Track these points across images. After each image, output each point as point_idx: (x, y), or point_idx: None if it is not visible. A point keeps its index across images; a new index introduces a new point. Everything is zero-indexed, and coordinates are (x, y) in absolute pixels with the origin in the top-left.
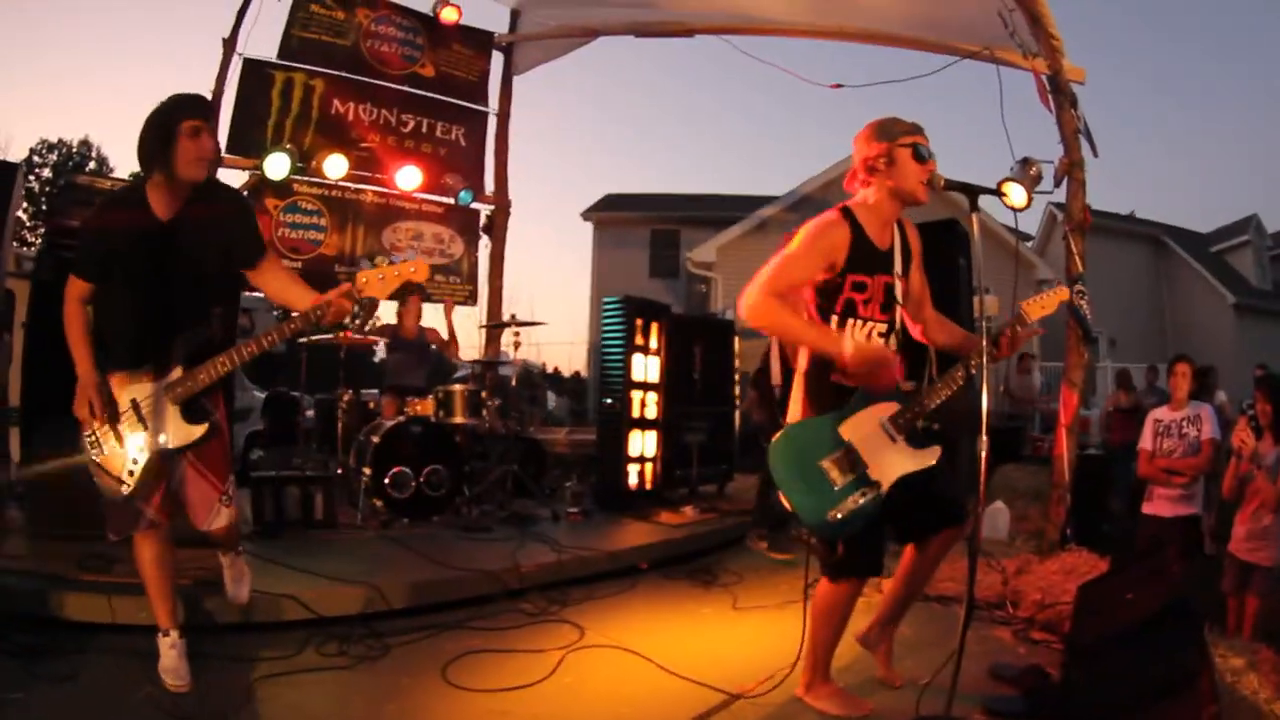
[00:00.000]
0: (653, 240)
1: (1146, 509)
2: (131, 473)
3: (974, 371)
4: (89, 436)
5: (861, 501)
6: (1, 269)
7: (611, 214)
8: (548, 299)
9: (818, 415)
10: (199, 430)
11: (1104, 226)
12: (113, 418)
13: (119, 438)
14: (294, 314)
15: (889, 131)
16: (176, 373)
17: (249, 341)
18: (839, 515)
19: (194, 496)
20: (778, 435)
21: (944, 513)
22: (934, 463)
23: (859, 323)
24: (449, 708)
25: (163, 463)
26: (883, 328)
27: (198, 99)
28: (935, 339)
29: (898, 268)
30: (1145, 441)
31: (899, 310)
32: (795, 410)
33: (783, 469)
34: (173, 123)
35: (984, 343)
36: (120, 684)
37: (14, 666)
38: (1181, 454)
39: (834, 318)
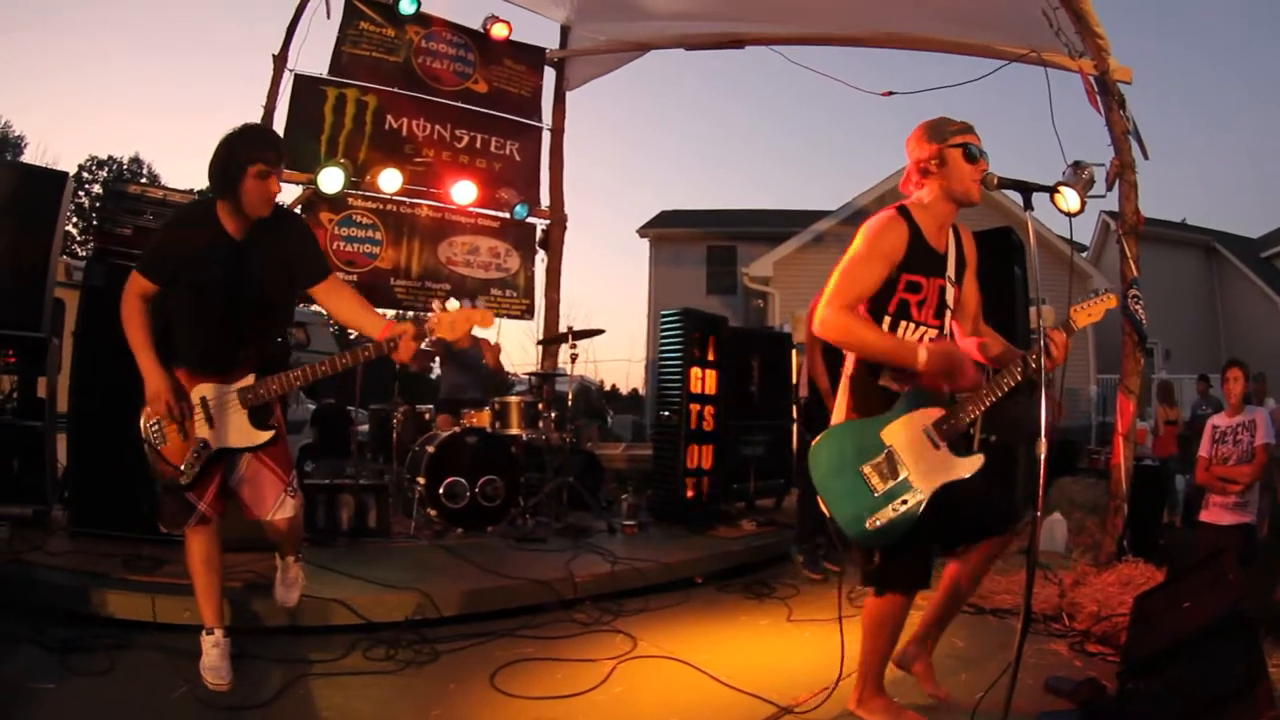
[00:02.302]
0: (709, 256)
1: (1204, 517)
2: (192, 465)
3: (1020, 380)
4: (153, 426)
5: (901, 509)
6: (51, 277)
7: (668, 230)
8: (606, 316)
9: (862, 419)
10: (265, 436)
11: (1155, 235)
12: (185, 414)
13: (184, 431)
14: (368, 342)
15: (940, 132)
16: (249, 379)
17: (323, 361)
18: (878, 522)
19: (260, 487)
20: (819, 437)
21: (988, 523)
22: (975, 473)
23: (911, 325)
24: (496, 714)
25: (221, 460)
26: (934, 333)
27: (268, 138)
28: (989, 353)
29: (951, 273)
30: (1203, 449)
31: (950, 317)
32: (840, 413)
33: (823, 472)
34: (242, 162)
35: (1040, 353)
36: (155, 680)
37: (50, 659)
38: (1237, 460)
39: (886, 319)
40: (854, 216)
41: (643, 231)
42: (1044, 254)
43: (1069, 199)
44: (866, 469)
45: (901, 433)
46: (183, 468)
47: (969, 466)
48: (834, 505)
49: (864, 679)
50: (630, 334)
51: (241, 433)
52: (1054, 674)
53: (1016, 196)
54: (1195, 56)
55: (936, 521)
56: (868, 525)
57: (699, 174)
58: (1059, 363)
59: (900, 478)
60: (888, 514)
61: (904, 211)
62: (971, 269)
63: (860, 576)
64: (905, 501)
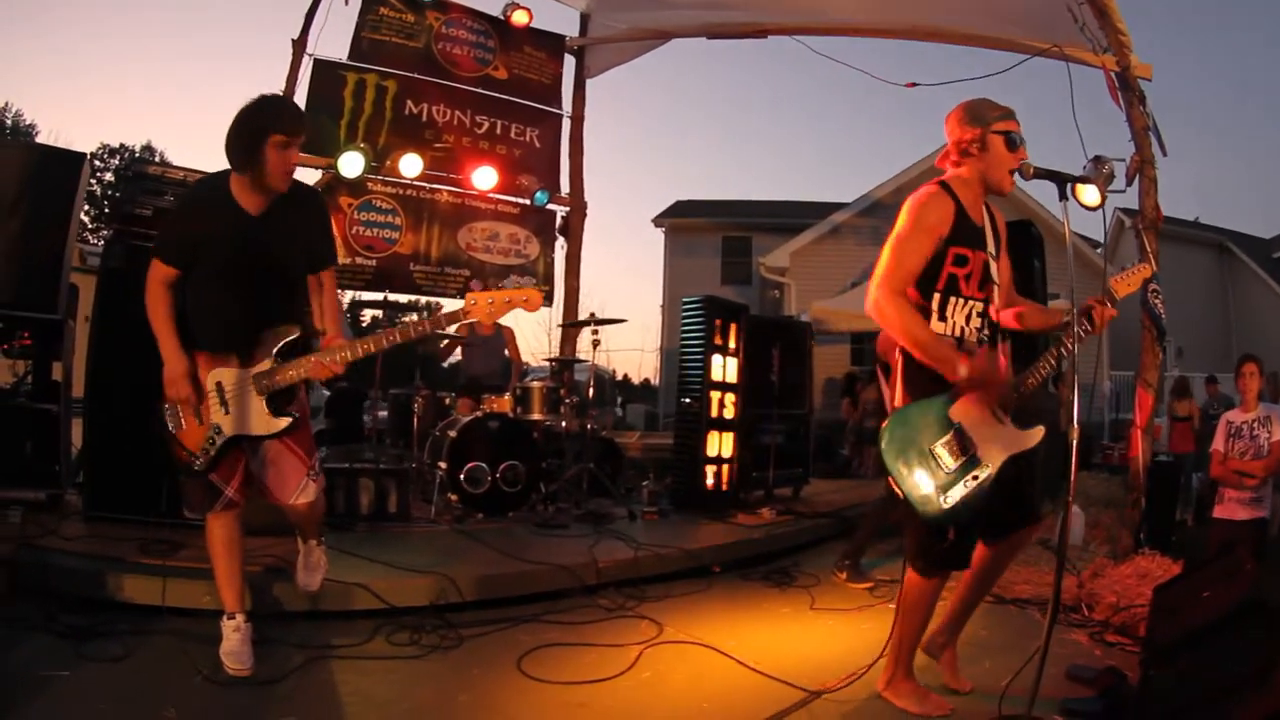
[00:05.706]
0: (724, 247)
1: (1218, 512)
2: (206, 451)
3: (1067, 355)
4: (168, 410)
5: (973, 485)
6: (67, 259)
7: (683, 220)
8: (619, 305)
9: (924, 398)
10: (282, 423)
11: (1169, 233)
12: (202, 398)
13: (199, 416)
14: (369, 339)
15: (983, 116)
16: (266, 364)
17: (341, 347)
18: (953, 500)
19: (282, 470)
20: (888, 420)
21: (1025, 511)
22: (1038, 442)
23: (960, 300)
24: (524, 699)
25: (241, 446)
26: (980, 306)
27: (290, 109)
28: (1031, 323)
29: (991, 247)
30: (1218, 443)
31: (994, 290)
32: (898, 396)
33: (896, 454)
34: (262, 133)
35: (1074, 328)
36: (172, 667)
37: (63, 646)
38: (1252, 456)
39: (936, 295)
40: (872, 209)
41: (658, 221)
42: (1059, 248)
43: (1089, 193)
44: (938, 447)
45: (968, 409)
46: (197, 453)
47: (1033, 437)
48: (908, 486)
49: (894, 662)
50: (644, 323)
51: (258, 419)
52: (1075, 662)
53: (1034, 189)
54: (1211, 55)
55: (989, 503)
56: (943, 504)
57: (716, 164)
58: (1099, 331)
59: (971, 453)
60: (961, 491)
61: (946, 186)
62: (1004, 245)
63: (910, 560)
64: (977, 477)
